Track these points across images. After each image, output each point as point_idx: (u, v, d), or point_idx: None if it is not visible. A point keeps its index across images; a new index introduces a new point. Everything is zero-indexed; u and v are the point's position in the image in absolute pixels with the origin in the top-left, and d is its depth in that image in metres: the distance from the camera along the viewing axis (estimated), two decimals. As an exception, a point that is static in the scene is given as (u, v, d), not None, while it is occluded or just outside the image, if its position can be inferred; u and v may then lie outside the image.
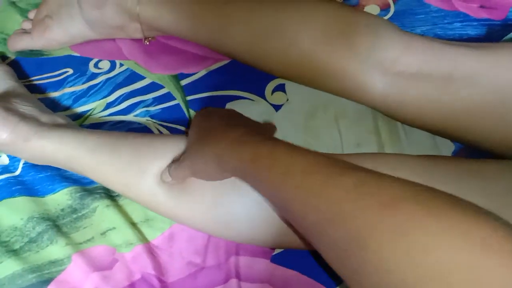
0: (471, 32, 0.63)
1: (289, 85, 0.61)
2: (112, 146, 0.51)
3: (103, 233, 0.52)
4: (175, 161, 0.49)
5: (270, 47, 0.56)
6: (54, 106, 0.61)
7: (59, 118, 0.55)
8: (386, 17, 0.64)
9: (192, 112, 0.60)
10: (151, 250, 0.51)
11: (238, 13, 0.58)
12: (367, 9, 0.66)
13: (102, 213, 0.52)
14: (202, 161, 0.45)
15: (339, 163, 0.35)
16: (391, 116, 0.56)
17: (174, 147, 0.51)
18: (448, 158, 0.51)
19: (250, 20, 0.57)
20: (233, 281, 0.50)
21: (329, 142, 0.58)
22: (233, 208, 0.48)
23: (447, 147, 0.57)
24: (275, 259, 0.51)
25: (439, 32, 0.63)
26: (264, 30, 0.57)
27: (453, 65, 0.51)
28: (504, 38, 0.59)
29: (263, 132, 0.52)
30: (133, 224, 0.53)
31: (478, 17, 0.64)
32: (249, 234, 0.49)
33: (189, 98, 0.61)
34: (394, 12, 0.65)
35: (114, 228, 0.52)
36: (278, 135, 0.57)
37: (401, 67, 0.52)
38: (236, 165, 0.41)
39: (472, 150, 0.55)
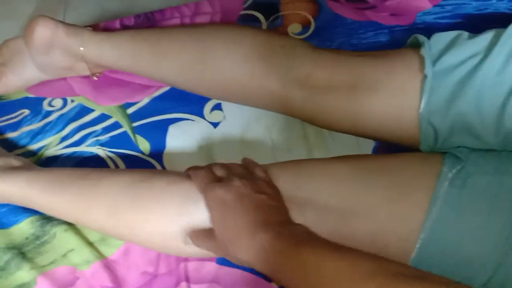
0: (383, 38, 0.71)
1: (225, 104, 0.67)
2: (60, 185, 0.56)
3: (64, 255, 0.58)
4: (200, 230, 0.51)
5: (199, 74, 0.63)
6: (12, 145, 0.67)
7: (13, 160, 0.61)
8: (307, 33, 0.72)
9: (139, 138, 0.66)
10: (108, 265, 0.57)
11: (170, 48, 0.64)
12: (291, 28, 0.73)
13: (61, 237, 0.58)
14: (235, 259, 0.48)
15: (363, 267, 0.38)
16: (312, 123, 0.63)
17: (112, 189, 0.55)
18: (361, 157, 0.58)
19: (181, 53, 0.64)
20: (183, 284, 0.56)
21: (262, 150, 0.65)
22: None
23: (368, 145, 0.65)
24: (221, 261, 0.57)
25: (354, 42, 0.70)
26: (193, 60, 0.63)
27: (356, 75, 0.58)
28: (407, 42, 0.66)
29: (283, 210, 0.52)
30: (90, 244, 0.58)
31: (388, 24, 0.71)
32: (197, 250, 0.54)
33: (135, 124, 0.67)
34: (315, 28, 0.72)
35: (73, 249, 0.58)
36: (218, 149, 0.65)
37: (313, 81, 0.59)
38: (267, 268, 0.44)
39: (388, 144, 0.62)
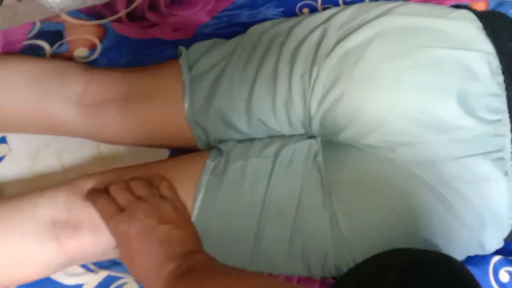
0: (168, 53, 0.75)
1: (10, 135, 0.66)
2: None
3: None
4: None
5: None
6: None
7: None
8: (94, 56, 0.74)
9: None
10: None
11: None
12: (77, 52, 0.73)
13: None
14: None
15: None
16: (98, 140, 0.65)
17: None
18: (130, 168, 0.61)
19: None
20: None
21: (55, 177, 0.64)
22: None
23: (163, 152, 0.68)
24: None
25: (140, 59, 0.74)
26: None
27: (129, 87, 0.62)
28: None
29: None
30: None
31: (171, 39, 0.76)
32: None
33: None
34: (102, 50, 0.74)
35: None
36: (7, 186, 0.63)
37: (88, 98, 0.61)
38: None
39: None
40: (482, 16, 0.59)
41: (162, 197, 0.54)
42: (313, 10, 0.81)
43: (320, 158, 0.56)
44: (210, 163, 0.56)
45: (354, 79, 0.53)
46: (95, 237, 0.53)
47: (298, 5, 0.79)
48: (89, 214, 0.53)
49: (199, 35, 0.78)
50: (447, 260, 0.46)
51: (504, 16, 0.62)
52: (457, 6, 0.66)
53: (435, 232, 0.53)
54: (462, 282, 0.44)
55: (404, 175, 0.53)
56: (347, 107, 0.53)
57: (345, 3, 0.78)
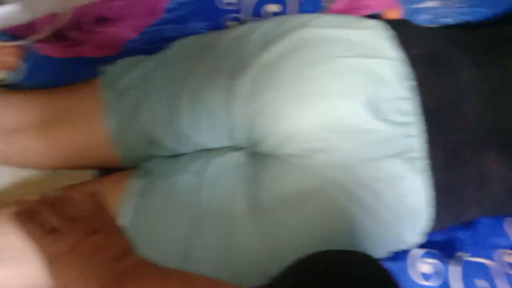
0: (96, 70, 0.74)
1: None
2: None
3: None
4: None
5: None
6: None
7: None
8: (16, 77, 0.71)
9: None
10: None
11: None
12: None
13: None
14: None
15: None
16: (19, 165, 0.65)
17: None
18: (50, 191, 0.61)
19: None
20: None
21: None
22: None
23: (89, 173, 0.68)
24: None
25: (67, 79, 0.72)
26: None
27: (47, 110, 0.62)
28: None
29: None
30: None
31: (98, 56, 0.75)
32: None
33: None
34: (25, 71, 0.72)
35: None
36: None
37: (6, 123, 0.60)
38: None
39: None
40: (394, 25, 0.63)
41: (87, 211, 0.54)
42: (240, 23, 0.83)
43: (246, 170, 0.57)
44: (134, 183, 0.56)
45: (271, 90, 0.55)
46: (20, 268, 0.52)
47: (225, 18, 0.81)
48: (13, 243, 0.52)
49: (126, 51, 0.78)
50: (365, 259, 0.49)
51: (414, 25, 0.66)
52: (372, 16, 0.71)
53: (354, 233, 0.55)
54: (380, 280, 0.47)
55: (321, 181, 0.55)
56: (266, 118, 0.55)
57: (274, 14, 0.82)
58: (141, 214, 0.55)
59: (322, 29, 0.58)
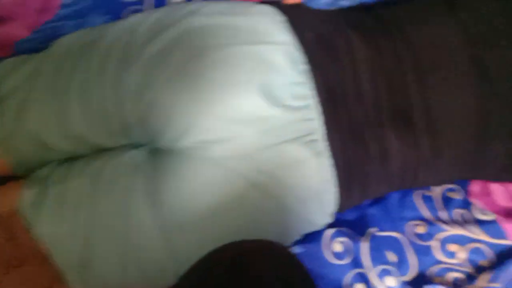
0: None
1: None
2: None
3: None
4: None
5: None
6: None
7: None
8: None
9: None
10: None
11: None
12: None
13: None
14: None
15: None
16: None
17: None
18: None
19: None
20: None
21: None
22: None
23: None
24: None
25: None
26: None
27: None
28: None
29: None
30: None
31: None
32: None
33: None
34: None
35: None
36: None
37: None
38: None
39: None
40: (286, 9, 0.62)
41: None
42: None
43: (146, 168, 0.55)
44: (26, 193, 0.53)
45: (161, 83, 0.53)
46: None
47: (125, 11, 0.78)
48: None
49: (20, 51, 0.73)
50: (271, 248, 0.48)
51: (308, 8, 0.67)
52: (272, 2, 0.70)
53: (261, 221, 0.55)
54: (284, 265, 0.47)
55: (222, 172, 0.54)
56: (159, 112, 0.54)
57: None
58: (35, 226, 0.52)
59: (209, 17, 0.57)
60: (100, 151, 0.58)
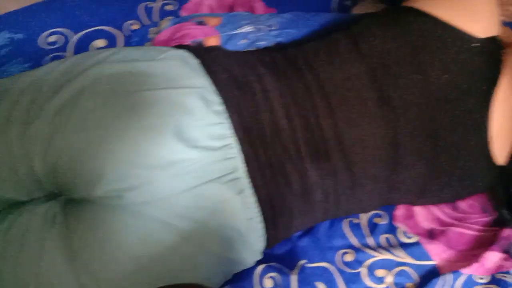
0: None
1: None
2: None
3: None
4: None
5: None
6: None
7: None
8: None
9: None
10: None
11: None
12: None
13: None
14: None
15: None
16: None
17: None
18: None
19: None
20: None
21: None
22: None
23: None
24: None
25: None
26: None
27: None
28: None
29: None
30: None
31: None
32: None
33: None
34: None
35: None
36: None
37: None
38: None
39: None
40: (202, 52, 0.64)
41: None
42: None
43: (59, 220, 0.54)
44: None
45: (69, 134, 0.52)
46: None
47: (49, 58, 0.78)
48: None
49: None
50: None
51: (223, 50, 0.69)
52: (178, 46, 0.71)
53: (183, 267, 0.55)
54: None
55: (139, 219, 0.53)
56: (68, 163, 0.53)
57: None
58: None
59: (119, 64, 0.57)
60: (15, 204, 0.56)
